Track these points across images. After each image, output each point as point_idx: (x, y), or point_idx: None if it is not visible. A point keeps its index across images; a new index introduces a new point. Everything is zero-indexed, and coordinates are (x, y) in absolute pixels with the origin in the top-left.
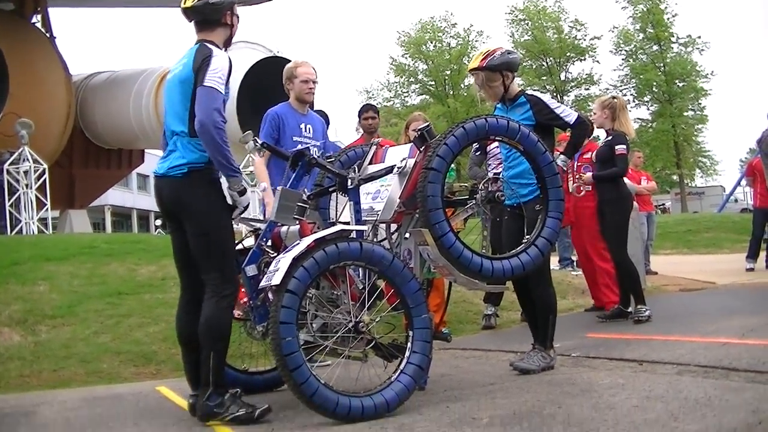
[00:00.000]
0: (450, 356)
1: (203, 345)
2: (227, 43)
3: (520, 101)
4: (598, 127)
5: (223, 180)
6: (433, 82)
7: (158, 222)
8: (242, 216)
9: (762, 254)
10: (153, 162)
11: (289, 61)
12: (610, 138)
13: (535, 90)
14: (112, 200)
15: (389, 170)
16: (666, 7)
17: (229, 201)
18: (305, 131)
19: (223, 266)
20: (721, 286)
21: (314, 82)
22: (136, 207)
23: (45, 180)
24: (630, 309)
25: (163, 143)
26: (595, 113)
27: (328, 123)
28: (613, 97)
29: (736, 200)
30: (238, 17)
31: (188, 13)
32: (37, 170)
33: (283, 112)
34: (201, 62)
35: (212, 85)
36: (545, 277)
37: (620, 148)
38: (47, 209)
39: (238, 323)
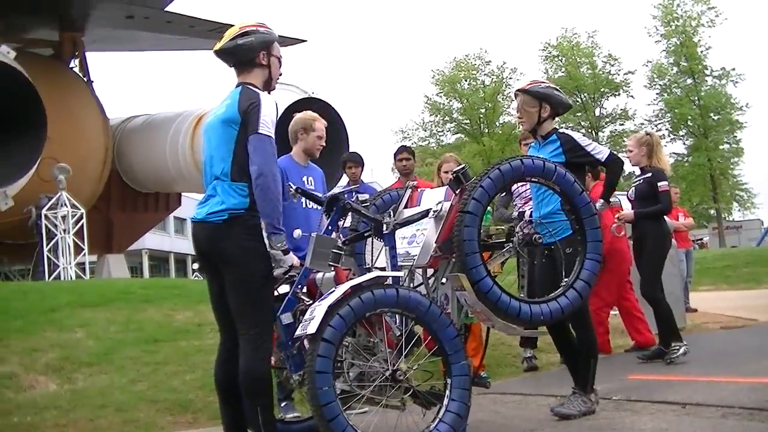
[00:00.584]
0: (489, 401)
1: (247, 400)
2: (267, 85)
3: (551, 139)
4: (634, 165)
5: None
6: (467, 121)
7: (195, 266)
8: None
9: None
10: (190, 205)
11: (324, 101)
12: (649, 174)
13: (568, 128)
14: (149, 244)
15: (425, 214)
16: (699, 40)
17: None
18: (308, 183)
19: (260, 318)
20: (763, 323)
21: (322, 137)
22: (174, 250)
23: (82, 224)
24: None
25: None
26: (631, 150)
27: (363, 165)
28: (648, 134)
29: None
30: (279, 58)
31: (220, 55)
32: (75, 215)
33: (286, 166)
34: (249, 105)
35: (268, 133)
36: (585, 318)
37: (663, 185)
38: (85, 254)
39: (273, 371)
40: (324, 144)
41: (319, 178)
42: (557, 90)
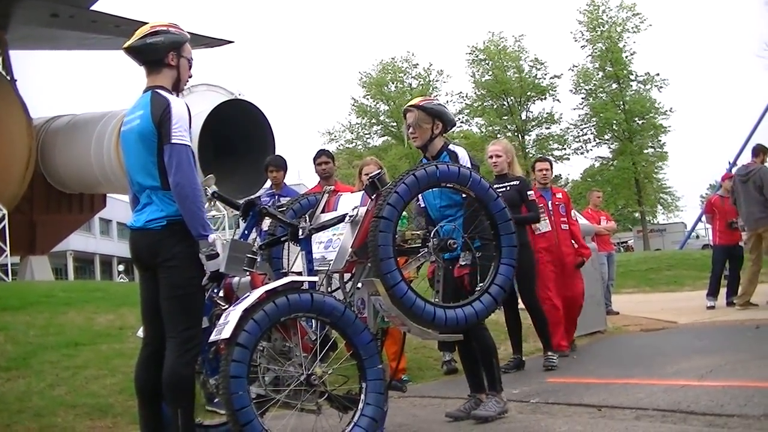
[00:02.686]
0: (408, 404)
1: (168, 402)
2: (176, 87)
3: (443, 156)
4: (498, 171)
5: None
6: (394, 123)
7: (121, 267)
8: None
9: (722, 291)
10: (115, 206)
11: (251, 103)
12: (516, 182)
13: (495, 131)
14: (74, 245)
15: (341, 219)
16: (624, 45)
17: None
18: None
19: (190, 322)
20: (682, 326)
21: None
22: (99, 252)
23: (5, 226)
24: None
25: (131, 195)
26: (500, 156)
27: (285, 168)
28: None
29: (697, 236)
30: (189, 60)
31: (129, 53)
32: None
33: None
34: (161, 115)
35: (181, 141)
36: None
37: (532, 194)
38: (7, 256)
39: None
40: None
41: None
42: (446, 108)
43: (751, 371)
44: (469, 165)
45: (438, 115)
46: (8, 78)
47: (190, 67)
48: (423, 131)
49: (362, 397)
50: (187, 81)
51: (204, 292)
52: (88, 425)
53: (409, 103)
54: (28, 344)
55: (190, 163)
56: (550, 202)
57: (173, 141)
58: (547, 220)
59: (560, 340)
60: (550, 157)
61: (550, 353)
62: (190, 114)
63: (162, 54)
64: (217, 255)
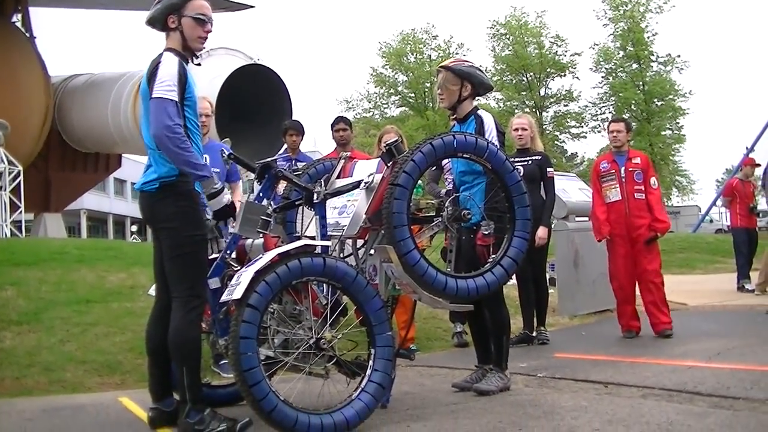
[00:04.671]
0: (416, 374)
1: (175, 361)
2: (187, 47)
3: (470, 120)
4: (521, 145)
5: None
6: (412, 94)
7: (134, 228)
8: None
9: (734, 275)
10: (130, 166)
11: (269, 69)
12: (538, 157)
13: (514, 107)
14: (88, 204)
15: (356, 185)
16: (646, 26)
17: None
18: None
19: (193, 281)
20: (692, 308)
21: (207, 116)
22: (113, 212)
23: (20, 182)
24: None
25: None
26: (525, 129)
27: (303, 133)
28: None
29: (711, 220)
30: (194, 17)
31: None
32: (12, 172)
33: None
34: (150, 74)
35: (160, 95)
36: (499, 296)
37: (551, 171)
38: (21, 212)
39: (202, 335)
40: (205, 121)
41: (216, 156)
42: (480, 70)
43: (759, 355)
44: (494, 131)
45: (467, 77)
46: (27, 35)
47: (202, 24)
48: (450, 93)
49: (370, 363)
50: (201, 39)
51: (206, 249)
52: (97, 381)
53: (440, 64)
54: (40, 300)
55: (166, 113)
56: (623, 168)
57: (153, 95)
58: (618, 188)
59: (629, 320)
60: (626, 118)
61: (542, 328)
62: (182, 70)
63: (162, 19)
64: (219, 192)
